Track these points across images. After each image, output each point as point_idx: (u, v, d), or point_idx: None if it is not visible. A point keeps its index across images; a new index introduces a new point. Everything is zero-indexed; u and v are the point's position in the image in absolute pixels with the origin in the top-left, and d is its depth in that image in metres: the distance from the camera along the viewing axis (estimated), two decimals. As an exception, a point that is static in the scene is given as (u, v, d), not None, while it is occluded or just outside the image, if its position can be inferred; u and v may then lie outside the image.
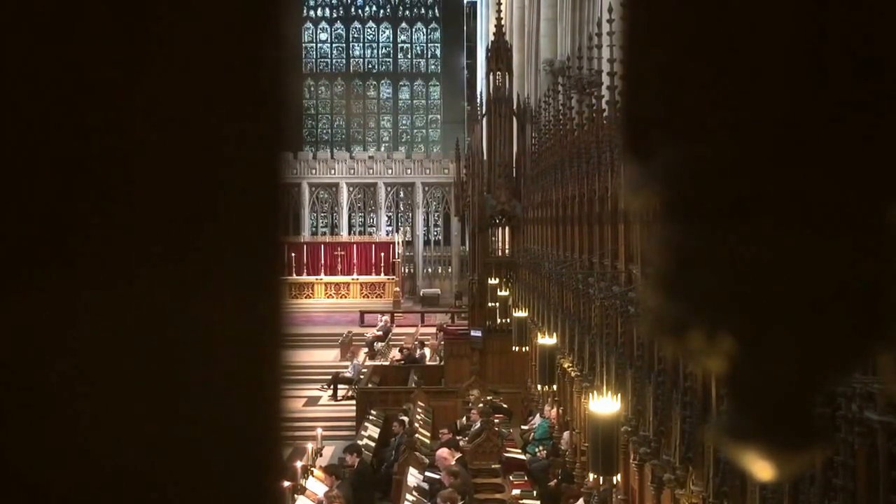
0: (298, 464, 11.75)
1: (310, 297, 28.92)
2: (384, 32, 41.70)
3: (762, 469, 0.43)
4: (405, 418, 14.54)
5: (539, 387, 13.65)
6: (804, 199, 0.41)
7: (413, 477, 11.89)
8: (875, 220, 0.41)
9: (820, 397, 0.59)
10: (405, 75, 41.67)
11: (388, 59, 41.69)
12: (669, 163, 0.42)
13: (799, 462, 0.43)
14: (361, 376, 18.40)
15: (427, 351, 20.22)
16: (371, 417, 15.58)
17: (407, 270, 31.48)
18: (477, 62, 35.42)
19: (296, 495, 10.54)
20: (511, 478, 12.48)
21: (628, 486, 8.10)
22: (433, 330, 22.74)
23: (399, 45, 41.62)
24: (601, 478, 8.44)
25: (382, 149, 38.50)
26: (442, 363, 18.35)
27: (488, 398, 15.20)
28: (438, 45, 41.40)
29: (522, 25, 26.70)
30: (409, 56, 41.74)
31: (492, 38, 20.18)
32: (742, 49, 0.41)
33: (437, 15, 41.34)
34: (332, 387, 18.70)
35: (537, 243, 15.09)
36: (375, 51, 41.71)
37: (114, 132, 0.39)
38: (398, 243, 30.58)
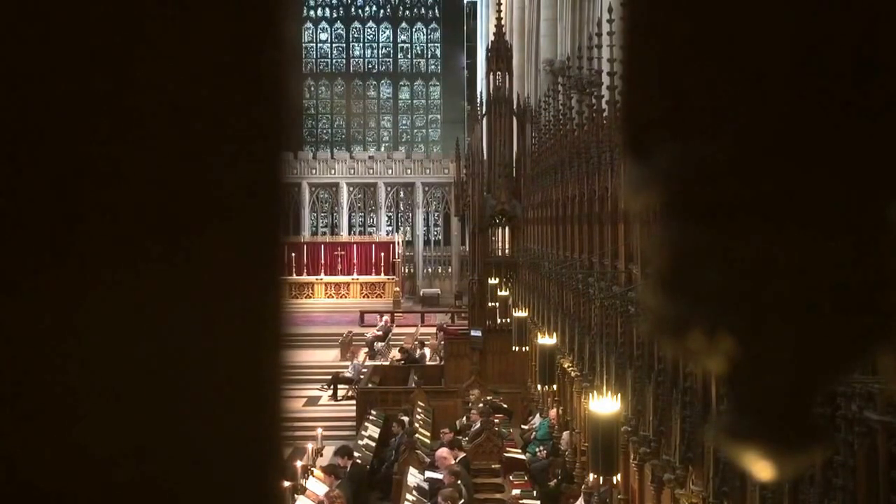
0: (298, 464, 11.75)
1: (310, 297, 28.91)
2: (384, 32, 41.70)
3: (762, 469, 0.43)
4: (405, 418, 14.53)
5: (539, 387, 13.65)
6: (804, 198, 0.41)
7: (413, 477, 11.89)
8: (875, 219, 0.41)
9: (820, 397, 0.59)
10: (405, 75, 41.67)
11: (388, 59, 41.68)
12: (669, 163, 0.42)
13: (799, 462, 0.43)
14: (361, 376, 18.39)
15: (427, 351, 20.21)
16: (371, 417, 15.57)
17: (407, 270, 31.48)
18: (477, 62, 35.43)
19: (296, 495, 10.54)
20: (511, 478, 12.48)
21: (628, 486, 8.10)
22: (433, 330, 22.74)
23: (399, 45, 41.62)
24: (601, 478, 8.44)
25: (382, 149, 38.51)
26: (442, 363, 18.34)
27: (488, 398, 15.19)
28: (438, 45, 41.39)
29: (522, 25, 26.69)
30: (409, 56, 41.74)
31: (492, 38, 20.17)
32: (742, 48, 0.41)
33: (437, 15, 41.34)
34: (332, 387, 18.70)
35: (537, 243, 15.08)
36: (375, 51, 41.71)
37: (114, 131, 0.39)
38: (398, 243, 30.58)
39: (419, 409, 15.57)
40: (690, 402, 5.54)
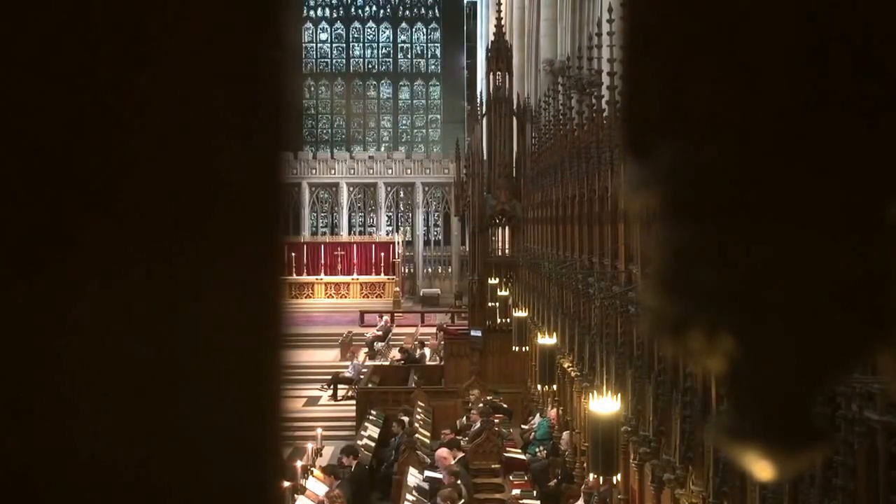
0: (298, 464, 11.75)
1: (310, 297, 28.91)
2: (384, 32, 41.69)
3: (762, 469, 0.43)
4: (405, 418, 14.53)
5: (539, 387, 13.65)
6: (804, 198, 0.41)
7: (413, 477, 11.89)
8: (875, 219, 0.41)
9: (820, 397, 0.59)
10: (405, 75, 41.66)
11: (388, 60, 41.68)
12: (669, 163, 0.42)
13: (799, 462, 0.43)
14: (361, 376, 18.39)
15: (427, 351, 20.20)
16: (371, 417, 15.57)
17: (407, 270, 31.48)
18: (477, 62, 35.43)
19: (296, 495, 10.54)
20: (511, 478, 12.48)
21: (628, 486, 8.10)
22: (433, 330, 22.73)
23: (399, 46, 41.61)
24: (601, 478, 8.44)
25: (382, 149, 38.51)
26: (442, 363, 18.33)
27: (488, 398, 15.19)
28: (438, 45, 41.38)
29: (522, 25, 26.70)
30: (409, 56, 41.74)
31: (492, 38, 20.17)
32: (742, 48, 0.41)
33: (437, 15, 41.34)
34: (332, 387, 18.70)
35: (537, 243, 15.08)
36: (375, 51, 41.70)
37: (115, 131, 0.39)
38: (398, 243, 30.58)
39: (419, 409, 15.57)
40: (690, 402, 5.54)
